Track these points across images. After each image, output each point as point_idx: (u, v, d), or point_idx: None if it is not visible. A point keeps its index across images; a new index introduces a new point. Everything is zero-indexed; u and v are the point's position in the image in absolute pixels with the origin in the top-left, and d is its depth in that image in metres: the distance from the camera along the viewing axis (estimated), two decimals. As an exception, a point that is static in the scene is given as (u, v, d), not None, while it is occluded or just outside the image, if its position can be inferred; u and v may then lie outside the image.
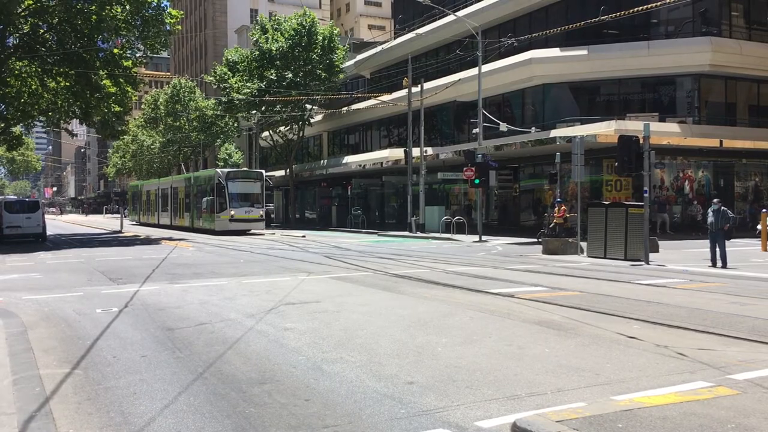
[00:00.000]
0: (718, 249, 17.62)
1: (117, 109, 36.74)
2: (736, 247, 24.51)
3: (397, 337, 8.72)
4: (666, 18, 34.27)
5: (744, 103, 36.35)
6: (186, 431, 5.35)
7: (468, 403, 5.89)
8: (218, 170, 40.94)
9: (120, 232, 44.61)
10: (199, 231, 41.30)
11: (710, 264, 17.79)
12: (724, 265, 17.42)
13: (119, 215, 55.37)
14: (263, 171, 42.57)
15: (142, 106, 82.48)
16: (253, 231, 39.38)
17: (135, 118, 78.23)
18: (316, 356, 7.73)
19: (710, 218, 17.97)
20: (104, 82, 34.97)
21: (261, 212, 39.48)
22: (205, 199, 41.07)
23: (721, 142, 30.73)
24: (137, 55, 37.11)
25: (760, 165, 35.71)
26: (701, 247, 21.63)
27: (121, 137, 54.10)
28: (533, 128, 34.15)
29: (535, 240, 26.88)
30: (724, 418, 5.31)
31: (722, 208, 18.10)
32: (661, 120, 32.36)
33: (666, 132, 30.50)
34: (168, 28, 35.83)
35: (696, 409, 5.53)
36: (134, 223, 61.29)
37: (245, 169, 46.80)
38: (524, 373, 6.87)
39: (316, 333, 9.06)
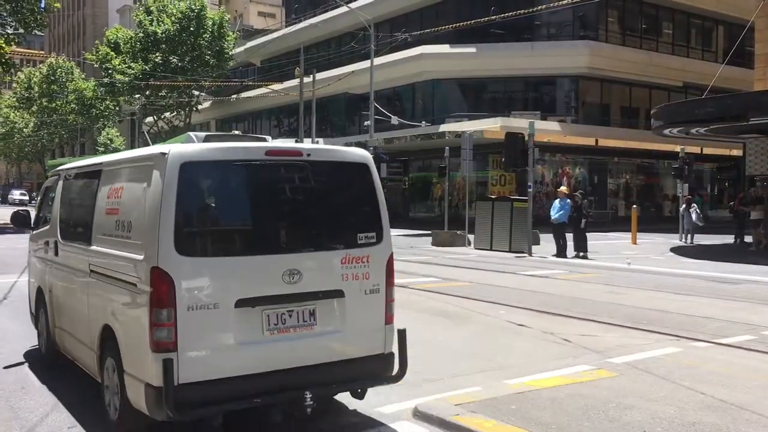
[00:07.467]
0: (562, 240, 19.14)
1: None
2: (609, 240, 26.10)
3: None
4: (548, 21, 35.88)
5: (618, 104, 38.77)
6: None
7: (369, 390, 6.01)
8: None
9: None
10: None
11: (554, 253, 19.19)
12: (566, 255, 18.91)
13: None
14: None
15: (14, 86, 77.18)
16: None
17: (5, 98, 73.13)
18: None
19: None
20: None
21: None
22: None
23: (596, 141, 32.65)
24: (8, 32, 34.68)
25: (630, 163, 38.23)
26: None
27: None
28: (423, 122, 34.86)
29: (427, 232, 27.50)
30: (605, 398, 5.75)
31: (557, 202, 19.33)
32: (543, 118, 33.85)
33: (547, 130, 31.96)
34: (43, 4, 33.73)
35: (581, 390, 5.95)
36: None
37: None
38: (422, 360, 7.09)
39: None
